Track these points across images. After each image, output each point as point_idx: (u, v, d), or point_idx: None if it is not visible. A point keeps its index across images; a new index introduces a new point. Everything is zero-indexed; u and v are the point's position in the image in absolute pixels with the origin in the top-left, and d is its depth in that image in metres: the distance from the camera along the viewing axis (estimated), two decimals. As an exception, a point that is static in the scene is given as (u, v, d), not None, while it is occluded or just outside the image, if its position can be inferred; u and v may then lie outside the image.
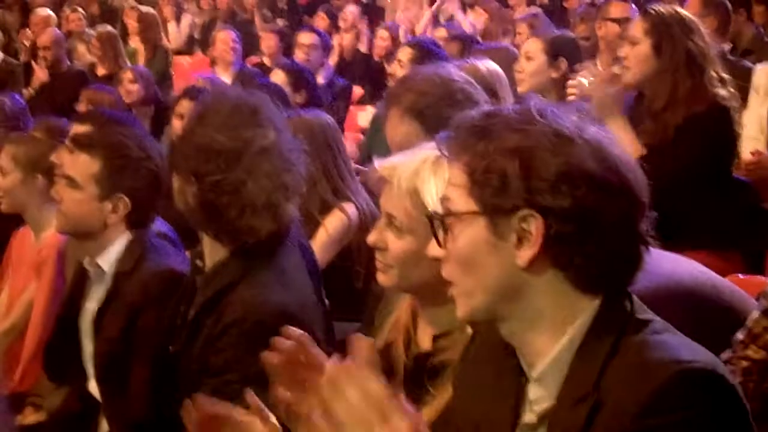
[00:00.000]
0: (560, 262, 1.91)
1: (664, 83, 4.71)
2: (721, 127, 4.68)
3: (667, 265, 2.95)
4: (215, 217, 3.11)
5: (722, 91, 4.72)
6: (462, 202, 1.96)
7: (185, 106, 6.23)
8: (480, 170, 1.92)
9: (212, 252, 3.21)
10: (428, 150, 2.61)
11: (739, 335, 3.17)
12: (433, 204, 2.51)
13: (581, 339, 1.92)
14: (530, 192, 1.89)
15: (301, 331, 1.93)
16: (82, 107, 7.34)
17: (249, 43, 10.89)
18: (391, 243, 2.62)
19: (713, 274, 3.19)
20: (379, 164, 2.69)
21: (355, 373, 1.61)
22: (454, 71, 3.84)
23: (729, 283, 3.27)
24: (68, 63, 10.29)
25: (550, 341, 1.93)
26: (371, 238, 2.69)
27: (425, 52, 6.38)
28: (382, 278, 2.68)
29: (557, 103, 2.03)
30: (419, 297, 2.67)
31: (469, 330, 2.39)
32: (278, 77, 7.12)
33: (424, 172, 2.58)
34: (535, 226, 1.89)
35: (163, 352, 3.33)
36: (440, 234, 2.02)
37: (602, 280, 1.93)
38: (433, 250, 2.10)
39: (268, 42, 10.18)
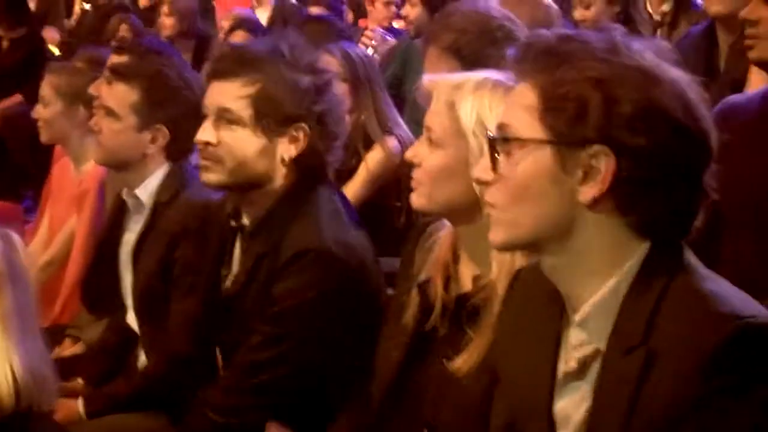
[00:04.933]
0: (622, 204, 1.82)
1: None
2: None
3: None
4: (322, 151, 3.18)
5: None
6: (528, 127, 1.86)
7: (239, 37, 6.23)
8: (557, 96, 1.82)
9: (261, 203, 3.17)
10: (475, 74, 2.60)
11: None
12: (466, 122, 2.50)
13: (629, 283, 1.84)
14: (608, 126, 1.79)
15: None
16: (121, 39, 7.31)
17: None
18: (424, 158, 2.59)
19: None
20: (426, 78, 2.68)
21: None
22: (493, 7, 3.77)
23: None
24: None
25: (596, 282, 1.85)
26: (408, 153, 2.68)
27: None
28: (413, 199, 2.65)
29: (634, 36, 1.91)
30: (452, 219, 2.63)
31: (511, 266, 2.35)
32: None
33: (465, 88, 2.55)
34: (605, 163, 1.80)
35: (213, 290, 3.32)
36: (497, 157, 1.91)
37: (659, 227, 1.84)
38: (479, 172, 2.03)
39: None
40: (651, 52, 1.86)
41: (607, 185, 1.80)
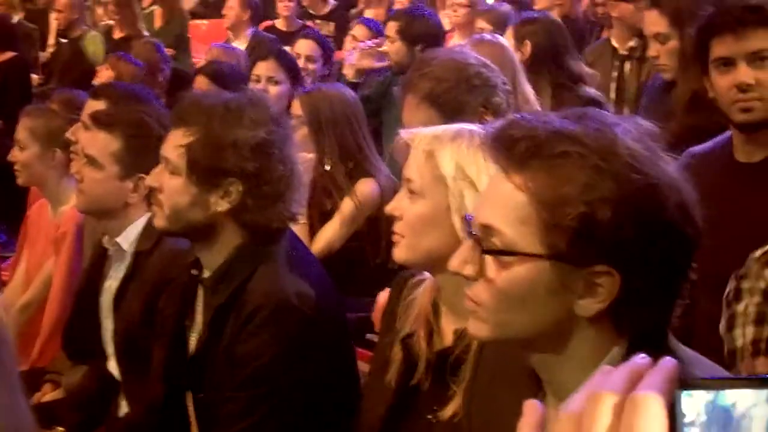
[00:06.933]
0: (618, 315, 1.76)
1: None
2: None
3: None
4: (255, 209, 3.11)
5: None
6: (524, 240, 1.76)
7: (201, 83, 6.17)
8: (559, 214, 1.71)
9: (215, 256, 3.17)
10: (451, 126, 2.67)
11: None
12: (446, 169, 2.54)
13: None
14: (614, 247, 1.70)
15: None
16: (103, 73, 7.26)
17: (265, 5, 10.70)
18: (405, 210, 2.62)
19: None
20: (403, 132, 2.71)
21: None
22: (470, 54, 3.79)
23: None
24: (84, 27, 10.16)
25: (581, 375, 1.73)
26: (388, 207, 2.70)
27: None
28: (396, 253, 2.66)
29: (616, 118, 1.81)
30: (433, 270, 2.65)
31: None
32: (305, 46, 7.04)
33: (442, 138, 2.59)
34: (609, 282, 1.72)
35: (178, 341, 3.32)
36: (487, 262, 1.81)
37: (649, 328, 1.80)
38: (458, 265, 1.87)
39: (285, 4, 9.95)
40: (641, 142, 1.75)
41: (608, 303, 1.73)
